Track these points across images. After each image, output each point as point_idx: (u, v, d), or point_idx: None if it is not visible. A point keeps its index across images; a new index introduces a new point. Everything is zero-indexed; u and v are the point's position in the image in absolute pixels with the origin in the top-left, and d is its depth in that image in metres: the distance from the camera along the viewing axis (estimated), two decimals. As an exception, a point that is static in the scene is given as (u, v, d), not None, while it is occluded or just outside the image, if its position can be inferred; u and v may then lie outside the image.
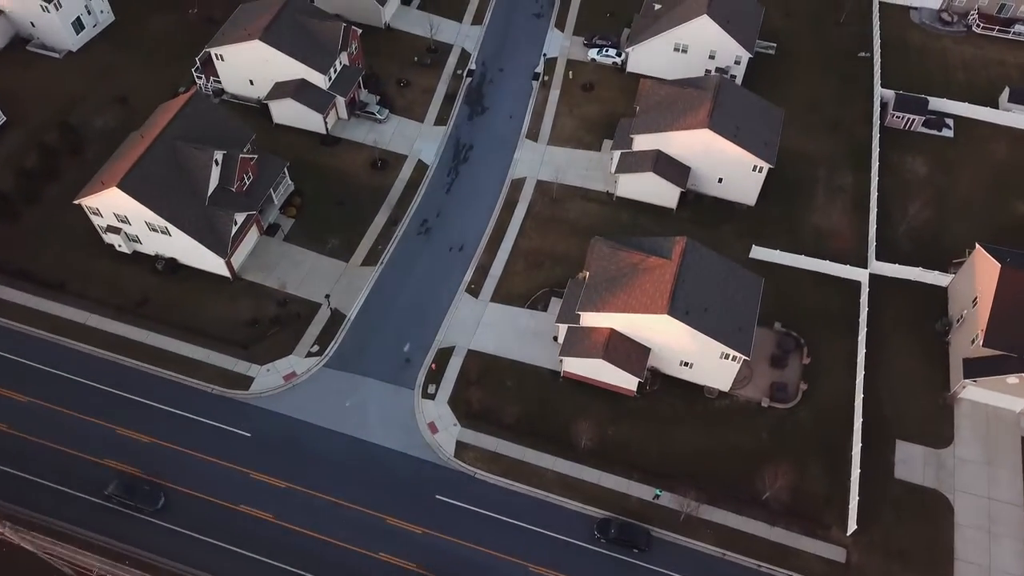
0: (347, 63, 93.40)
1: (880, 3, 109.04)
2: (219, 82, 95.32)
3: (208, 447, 69.24)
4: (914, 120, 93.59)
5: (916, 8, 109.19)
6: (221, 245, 76.13)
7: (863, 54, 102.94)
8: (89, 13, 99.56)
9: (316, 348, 75.45)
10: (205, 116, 79.81)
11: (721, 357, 69.19)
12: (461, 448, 70.09)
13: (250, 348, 74.78)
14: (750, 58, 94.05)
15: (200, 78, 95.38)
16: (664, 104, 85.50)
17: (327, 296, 75.40)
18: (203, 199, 76.26)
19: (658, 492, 67.59)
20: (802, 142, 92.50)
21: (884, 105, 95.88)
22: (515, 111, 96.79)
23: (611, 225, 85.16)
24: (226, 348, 74.72)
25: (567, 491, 68.10)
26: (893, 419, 71.90)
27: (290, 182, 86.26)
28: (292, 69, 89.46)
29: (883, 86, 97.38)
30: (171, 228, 74.65)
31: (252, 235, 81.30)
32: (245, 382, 73.05)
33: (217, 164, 76.89)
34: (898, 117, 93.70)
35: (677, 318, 66.56)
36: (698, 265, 70.28)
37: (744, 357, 67.91)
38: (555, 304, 78.84)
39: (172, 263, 79.14)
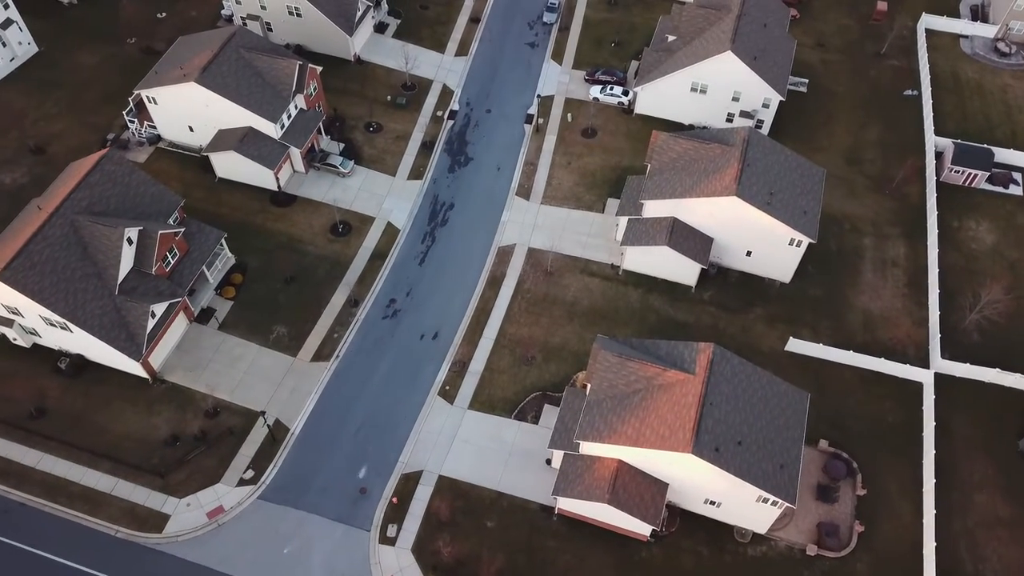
0: (304, 106, 78.79)
1: (926, 30, 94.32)
2: (154, 127, 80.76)
3: (105, 614, 54.64)
4: (976, 175, 78.83)
5: (967, 36, 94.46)
6: (134, 344, 61.45)
7: (910, 92, 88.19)
8: (4, 45, 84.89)
9: (250, 474, 60.70)
10: (119, 181, 65.07)
11: (758, 500, 54.41)
12: (428, 612, 55.52)
13: (168, 476, 60.03)
14: (781, 101, 79.37)
15: (133, 122, 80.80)
16: (681, 163, 70.84)
17: (263, 414, 60.58)
18: (112, 287, 61.59)
19: (678, 677, 52.85)
20: (843, 202, 77.82)
21: (939, 156, 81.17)
22: (504, 162, 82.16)
23: (617, 307, 70.52)
24: (138, 476, 60.01)
25: (562, 673, 53.46)
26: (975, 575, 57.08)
27: (229, 255, 71.63)
28: (236, 115, 74.93)
29: (937, 133, 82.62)
30: (71, 324, 59.99)
31: (179, 324, 66.63)
32: (159, 521, 58.30)
33: (130, 243, 62.22)
34: (957, 172, 78.97)
35: (705, 458, 51.81)
36: (729, 382, 55.52)
37: (789, 505, 53.10)
38: (548, 412, 64.10)
39: (78, 360, 64.42)
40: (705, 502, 57.39)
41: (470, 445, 62.81)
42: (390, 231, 75.97)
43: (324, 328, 68.99)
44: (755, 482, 52.56)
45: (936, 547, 56.85)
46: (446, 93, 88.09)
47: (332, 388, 65.71)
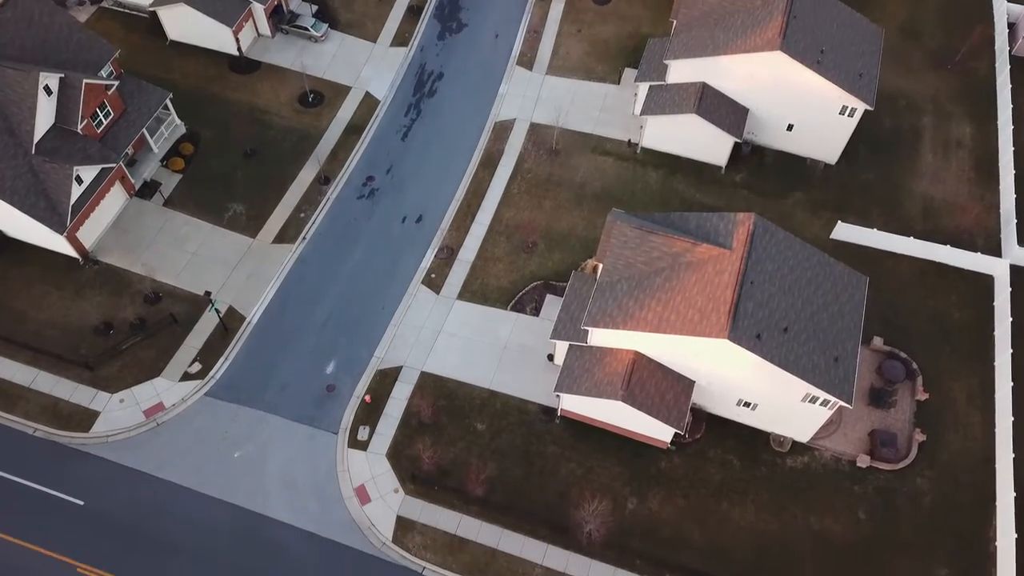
0: (270, -43, 67.16)
1: None
2: (97, -17, 69.37)
3: (16, 523, 45.44)
4: (1055, 48, 67.57)
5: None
6: (56, 214, 51.30)
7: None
8: None
9: (196, 368, 51.17)
10: (38, 22, 53.97)
11: (804, 400, 44.86)
12: (404, 528, 46.35)
13: (97, 368, 50.50)
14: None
15: (72, -23, 69.31)
16: (714, 17, 59.58)
17: (208, 294, 50.58)
18: (27, 145, 51.10)
19: (703, 606, 43.99)
20: (898, 79, 66.62)
21: (1011, 26, 69.75)
22: (503, 29, 70.69)
23: (633, 189, 60.15)
24: (62, 368, 50.49)
25: (563, 601, 44.62)
26: (1056, 492, 47.84)
27: (178, 121, 60.98)
28: (188, -38, 63.39)
29: (1009, 0, 71.04)
30: (-22, 187, 49.81)
31: (115, 197, 56.40)
32: (85, 419, 48.97)
33: (49, 93, 51.48)
34: (1033, 43, 67.71)
35: (743, 345, 42.00)
36: (773, 260, 45.43)
37: (844, 404, 43.51)
38: (551, 303, 54.28)
39: (-2, 238, 54.54)
40: (738, 404, 47.88)
41: (458, 339, 53.13)
42: (368, 102, 65.08)
43: (289, 207, 58.75)
44: (804, 376, 42.85)
45: (1014, 459, 47.47)
46: (438, -45, 76.13)
47: (296, 274, 55.80)
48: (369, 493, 47.38)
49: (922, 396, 50.57)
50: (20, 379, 50.10)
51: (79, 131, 52.93)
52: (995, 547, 45.86)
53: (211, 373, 51.04)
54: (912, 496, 47.73)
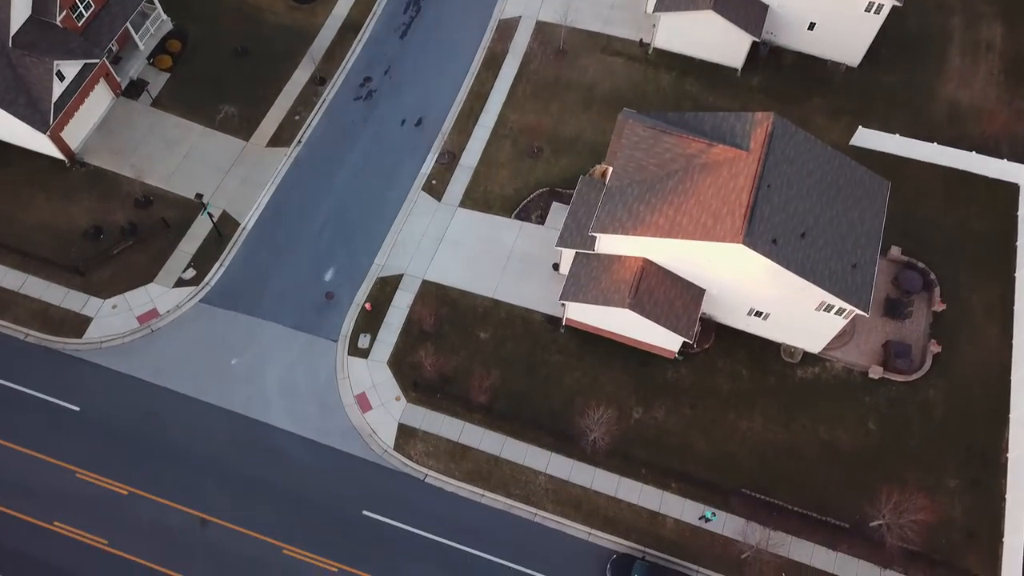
0: None
1: None
2: None
3: (11, 429, 44.75)
4: (1096, -57, 63.04)
5: None
6: (38, 111, 48.75)
7: None
8: None
9: (191, 274, 49.61)
10: (9, -100, 50.07)
11: (819, 309, 43.37)
12: (406, 436, 45.70)
13: (89, 273, 48.96)
14: None
15: None
16: (735, -98, 55.37)
17: (200, 196, 48.48)
18: (3, 38, 48.11)
19: (708, 514, 43.59)
20: (928, -26, 62.62)
21: (1051, -80, 65.02)
22: (508, -80, 66.13)
23: (644, 92, 57.31)
24: (52, 272, 48.92)
25: (567, 508, 44.20)
26: (1070, 404, 46.83)
27: (164, 16, 57.62)
28: None
29: None
30: (-47, 82, 47.14)
31: (101, 96, 53.70)
32: (78, 325, 47.72)
33: (23, -21, 48.26)
34: (1073, -62, 63.13)
35: (759, 250, 40.23)
36: (792, 162, 43.18)
37: (860, 312, 42.03)
38: (557, 211, 52.26)
39: (-22, 138, 52.07)
40: (749, 313, 46.46)
41: (461, 247, 51.35)
42: (366, -2, 61.50)
43: (283, 109, 56.02)
44: (820, 283, 41.23)
45: (1030, 372, 46.47)
46: None
47: (292, 179, 53.59)
48: (370, 401, 46.52)
49: (939, 307, 49.09)
50: (9, 283, 48.60)
51: (58, 23, 49.78)
52: (1007, 459, 45.19)
53: (206, 279, 49.50)
54: (924, 407, 46.83)
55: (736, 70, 58.16)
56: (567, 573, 42.81)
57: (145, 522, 42.89)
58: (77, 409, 45.50)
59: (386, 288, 49.80)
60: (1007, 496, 44.04)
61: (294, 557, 42.55)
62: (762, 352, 48.09)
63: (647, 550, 43.19)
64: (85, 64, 50.82)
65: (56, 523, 42.64)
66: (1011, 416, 46.02)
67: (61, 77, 49.50)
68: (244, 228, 51.45)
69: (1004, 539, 43.12)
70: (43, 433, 44.68)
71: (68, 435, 44.72)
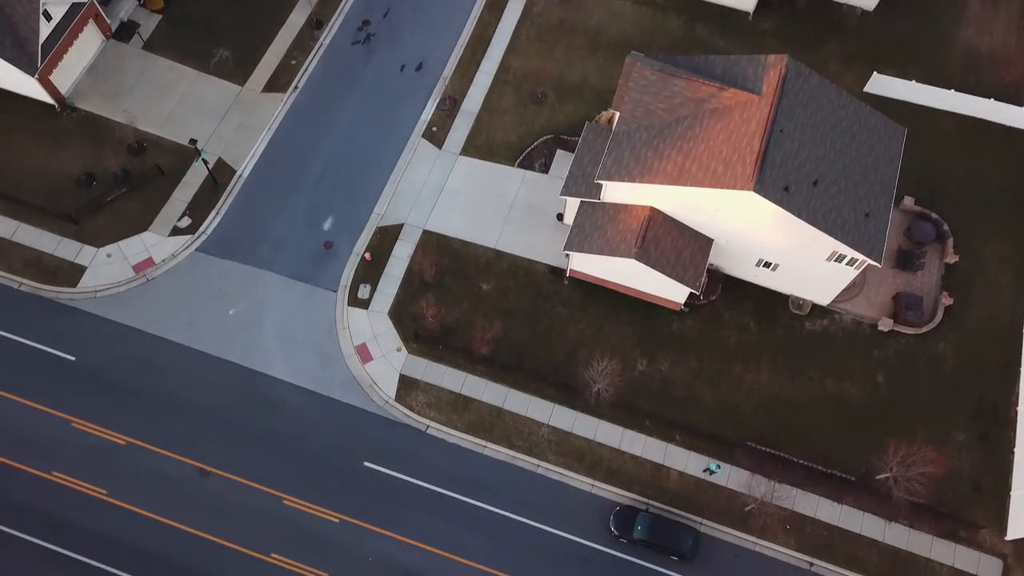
0: None
1: None
2: None
3: (6, 379, 44.12)
4: None
5: None
6: (25, 53, 47.14)
7: None
8: None
9: (186, 222, 48.51)
10: None
11: (830, 259, 42.30)
12: (407, 387, 45.07)
13: (83, 221, 47.85)
14: None
15: None
16: None
17: (194, 142, 47.08)
18: (-14, -27, 46.37)
19: (713, 466, 43.15)
20: (949, -87, 60.05)
21: None
22: None
23: (652, 37, 55.42)
24: (45, 220, 47.83)
25: (570, 460, 43.78)
26: (1083, 358, 46.06)
27: (154, -44, 55.52)
28: None
29: None
30: (-64, 22, 45.44)
31: (90, 39, 51.97)
32: (72, 274, 46.80)
33: (5, -89, 46.20)
34: None
35: (770, 198, 39.01)
36: (806, 107, 41.67)
37: (872, 263, 40.98)
38: (561, 159, 50.85)
39: (-35, 82, 50.46)
40: (758, 264, 45.43)
41: (462, 197, 50.12)
42: (364, -62, 59.10)
43: (279, 53, 54.26)
44: (832, 232, 40.09)
45: (1043, 325, 45.61)
46: None
47: (289, 125, 52.12)
48: (371, 351, 45.81)
49: (952, 259, 48.03)
50: (0, 231, 47.53)
51: (43, -40, 47.86)
52: (1016, 412, 44.56)
53: (202, 228, 48.42)
54: (934, 360, 46.08)
55: (748, 14, 56.17)
56: (570, 525, 42.52)
57: (144, 472, 42.51)
58: (72, 359, 44.82)
59: (386, 238, 48.71)
60: (1016, 450, 43.51)
61: (295, 507, 42.25)
62: (770, 304, 47.17)
63: (650, 502, 42.87)
64: (73, 3, 49.03)
65: (54, 473, 42.27)
66: (1023, 369, 45.26)
67: (48, 17, 47.78)
68: (240, 176, 50.19)
69: (1012, 492, 42.69)
70: (39, 383, 44.07)
71: (63, 385, 44.11)
